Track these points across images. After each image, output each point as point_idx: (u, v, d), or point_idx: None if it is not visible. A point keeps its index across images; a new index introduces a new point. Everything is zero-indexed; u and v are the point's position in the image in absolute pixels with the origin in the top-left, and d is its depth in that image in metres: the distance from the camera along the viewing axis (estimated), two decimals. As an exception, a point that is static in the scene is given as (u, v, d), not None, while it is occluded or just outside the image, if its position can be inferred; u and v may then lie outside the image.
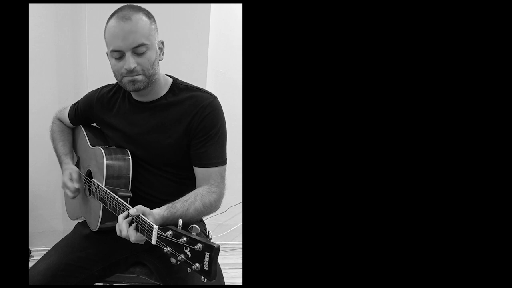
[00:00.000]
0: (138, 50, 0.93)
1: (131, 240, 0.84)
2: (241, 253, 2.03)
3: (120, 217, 0.86)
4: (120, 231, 0.85)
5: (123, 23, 0.92)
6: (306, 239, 0.71)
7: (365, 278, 0.69)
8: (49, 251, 1.03)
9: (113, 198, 0.93)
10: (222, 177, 1.02)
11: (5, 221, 0.72)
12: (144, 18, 0.95)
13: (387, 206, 0.68)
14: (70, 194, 1.09)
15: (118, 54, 0.95)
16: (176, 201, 0.93)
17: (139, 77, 0.95)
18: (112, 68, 0.99)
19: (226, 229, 2.16)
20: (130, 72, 0.94)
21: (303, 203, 0.72)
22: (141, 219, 0.82)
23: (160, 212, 0.87)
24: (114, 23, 0.94)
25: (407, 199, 0.67)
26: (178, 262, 0.71)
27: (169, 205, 0.90)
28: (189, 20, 1.71)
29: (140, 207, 0.85)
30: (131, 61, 0.93)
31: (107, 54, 1.00)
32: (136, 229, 0.83)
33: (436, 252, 0.66)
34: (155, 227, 0.77)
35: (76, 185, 1.07)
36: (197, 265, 0.68)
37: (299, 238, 0.71)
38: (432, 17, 0.65)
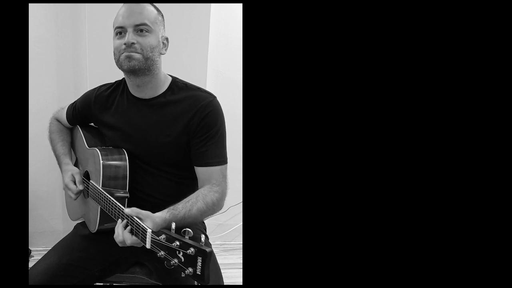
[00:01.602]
0: (139, 28, 0.96)
1: (126, 243, 0.84)
2: (241, 253, 2.03)
3: (118, 223, 0.87)
4: (117, 237, 0.86)
5: (131, 5, 0.97)
6: (306, 239, 0.71)
7: (364, 277, 0.69)
8: (49, 251, 1.03)
9: (109, 200, 0.93)
10: (224, 176, 1.02)
11: (5, 221, 0.72)
12: (152, 8, 1.00)
13: (386, 207, 0.68)
14: (72, 195, 1.09)
15: (120, 30, 0.97)
16: (178, 203, 0.92)
17: (136, 55, 0.96)
18: (113, 49, 1.00)
19: (226, 229, 2.16)
20: (128, 47, 0.95)
21: (303, 203, 0.72)
22: (136, 223, 0.82)
23: (161, 215, 0.86)
24: (123, 8, 0.99)
25: (406, 200, 0.67)
26: (172, 267, 0.71)
27: (171, 207, 0.89)
28: (189, 20, 1.71)
29: (134, 209, 0.85)
30: (130, 36, 0.95)
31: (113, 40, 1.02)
32: (131, 232, 0.83)
33: (434, 253, 0.66)
34: (149, 231, 0.77)
35: (81, 187, 1.08)
36: (190, 269, 0.68)
37: (298, 238, 0.71)
38: (431, 16, 0.65)
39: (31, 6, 1.66)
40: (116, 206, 0.90)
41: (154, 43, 0.98)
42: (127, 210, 0.84)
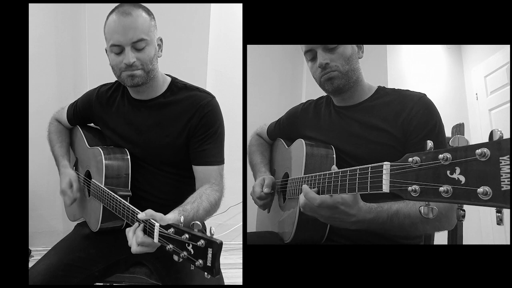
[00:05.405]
0: (137, 45, 0.94)
1: (137, 241, 0.78)
2: (241, 253, 2.03)
3: (131, 230, 0.81)
4: (131, 240, 0.79)
5: (124, 18, 0.93)
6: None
7: (363, 277, 0.69)
8: (49, 251, 1.03)
9: (113, 198, 0.92)
10: (221, 176, 1.02)
11: (5, 221, 0.72)
12: (144, 14, 0.96)
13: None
14: (67, 201, 1.09)
15: (117, 49, 0.95)
16: (184, 203, 0.90)
17: (138, 72, 0.95)
18: (110, 64, 0.99)
19: (226, 229, 2.16)
20: (129, 66, 0.94)
21: (303, 203, 0.72)
22: (142, 220, 0.81)
23: (173, 217, 0.82)
24: (114, 18, 0.94)
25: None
26: (181, 259, 0.71)
27: (180, 208, 0.87)
28: (189, 20, 1.71)
29: (149, 211, 0.80)
30: (130, 56, 0.93)
31: (105, 50, 1.00)
32: (144, 231, 0.79)
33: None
34: (157, 224, 0.76)
35: (77, 195, 1.07)
36: (200, 261, 0.68)
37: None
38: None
39: (31, 6, 1.66)
40: (121, 203, 0.88)
41: (152, 53, 0.97)
42: (141, 215, 0.80)
